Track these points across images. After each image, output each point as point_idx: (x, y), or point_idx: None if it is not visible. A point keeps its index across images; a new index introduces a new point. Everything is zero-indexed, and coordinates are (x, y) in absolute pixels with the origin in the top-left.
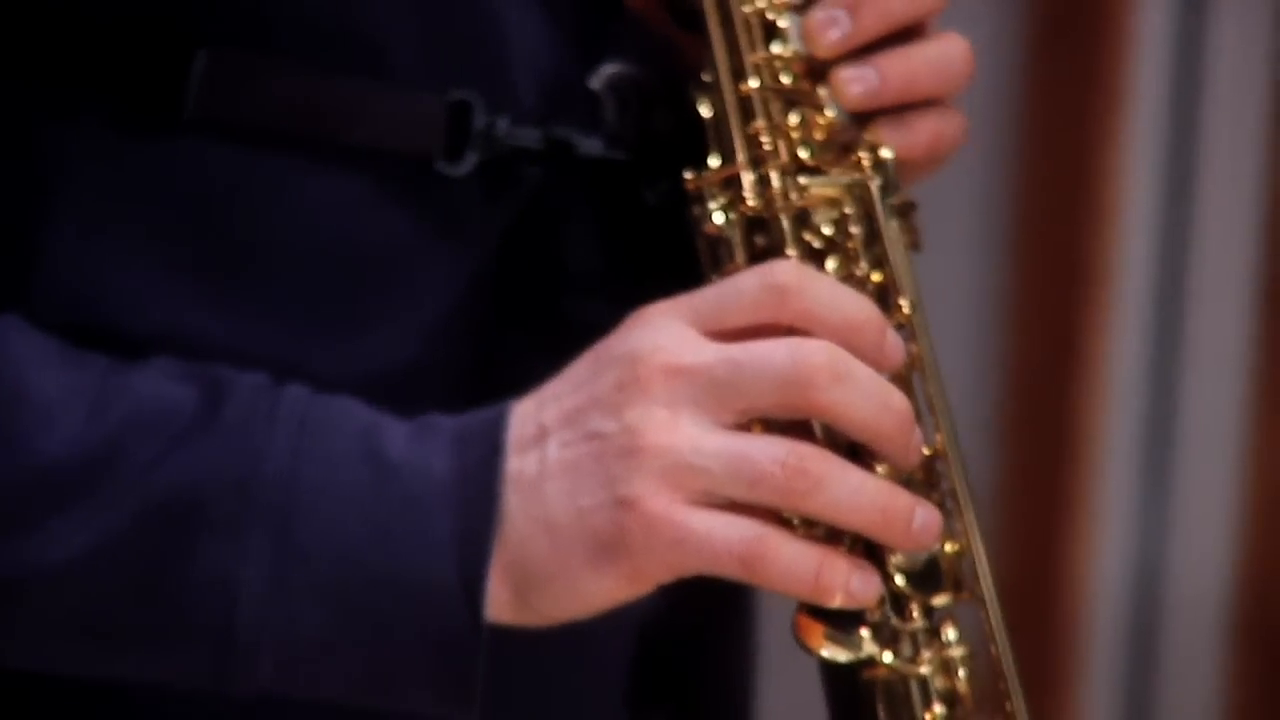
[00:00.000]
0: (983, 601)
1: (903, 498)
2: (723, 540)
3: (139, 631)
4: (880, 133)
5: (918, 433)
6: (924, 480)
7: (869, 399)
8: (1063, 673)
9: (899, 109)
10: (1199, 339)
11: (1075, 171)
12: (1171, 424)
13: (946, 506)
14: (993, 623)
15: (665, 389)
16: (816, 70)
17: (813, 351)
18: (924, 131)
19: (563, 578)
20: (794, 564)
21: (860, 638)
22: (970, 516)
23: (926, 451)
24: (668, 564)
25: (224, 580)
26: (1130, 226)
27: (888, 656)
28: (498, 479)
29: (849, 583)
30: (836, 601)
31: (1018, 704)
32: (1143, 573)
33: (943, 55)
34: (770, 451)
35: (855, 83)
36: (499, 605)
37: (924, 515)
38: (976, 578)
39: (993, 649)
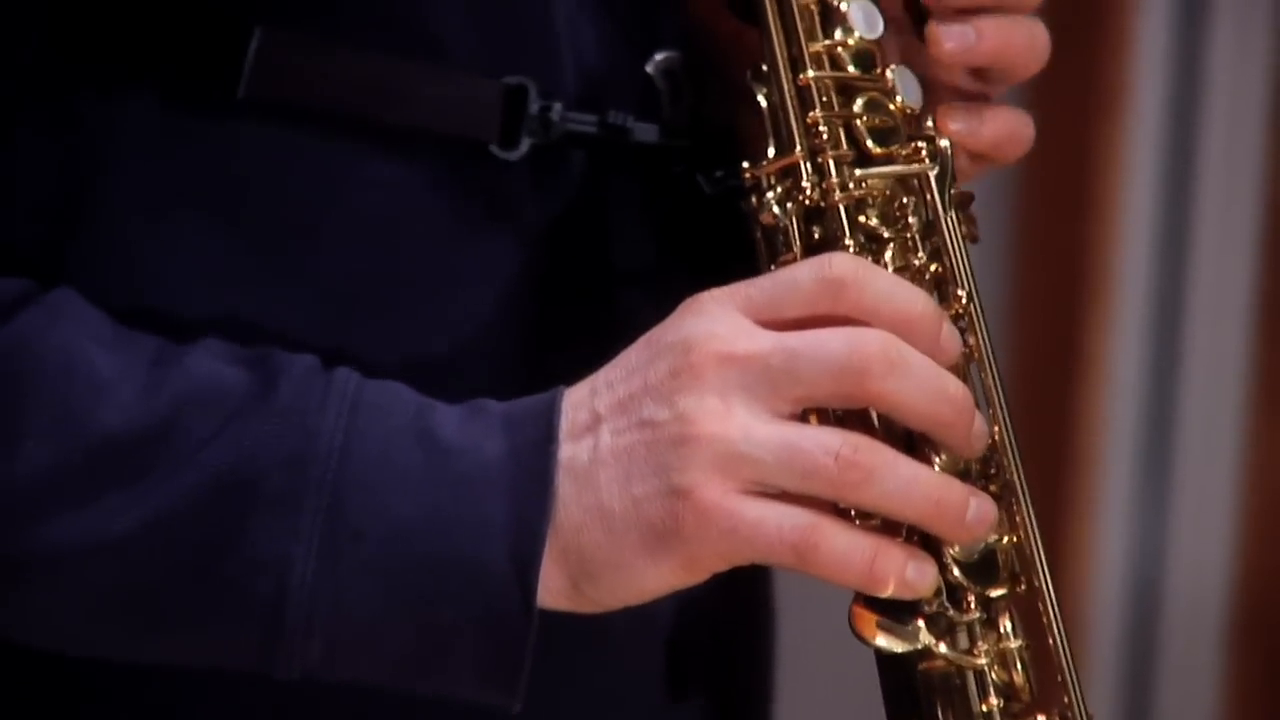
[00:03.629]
0: (1040, 593)
1: (957, 489)
2: (775, 529)
3: (189, 608)
4: (954, 120)
5: (980, 420)
6: (981, 472)
7: (925, 387)
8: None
9: (975, 103)
10: (1198, 341)
11: (1076, 174)
12: (1171, 425)
13: (1004, 498)
14: (1050, 615)
15: (719, 377)
16: (876, 57)
17: (869, 340)
18: (998, 126)
19: (618, 566)
20: (848, 553)
21: (917, 628)
22: (1027, 508)
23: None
24: (721, 553)
25: (276, 558)
26: (1130, 228)
27: (943, 648)
28: (552, 463)
29: (904, 572)
30: (890, 591)
31: (1074, 697)
32: (1142, 573)
33: (1034, 32)
34: (823, 442)
35: (952, 38)
36: (553, 592)
37: (978, 506)
38: (1033, 570)
39: (1050, 641)
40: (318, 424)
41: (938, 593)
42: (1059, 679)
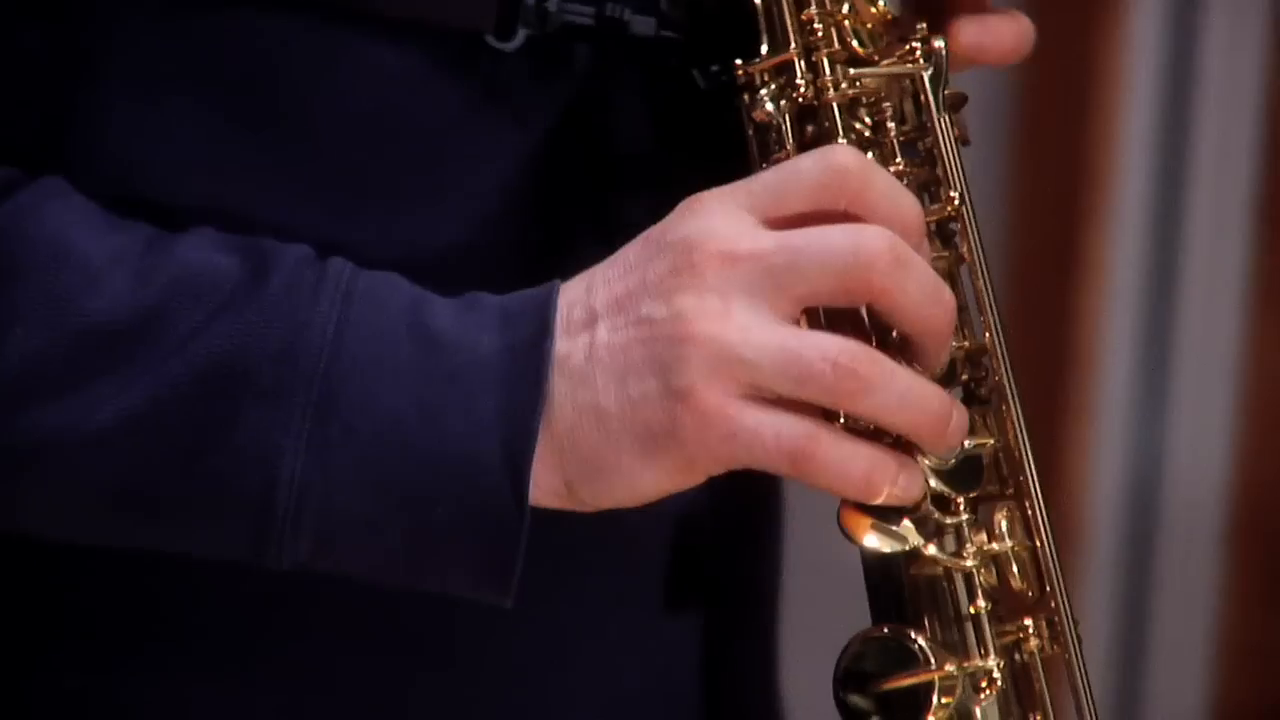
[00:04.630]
0: (1027, 496)
1: (945, 400)
2: (773, 437)
3: (179, 497)
4: (961, 30)
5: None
6: (972, 375)
7: (924, 289)
8: (1064, 570)
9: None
10: (1197, 242)
11: (1075, 77)
12: (1169, 328)
13: (993, 402)
14: (1038, 518)
15: (720, 277)
16: None
17: (875, 236)
18: (1002, 32)
19: (613, 467)
20: (844, 463)
21: (906, 529)
22: (1015, 412)
23: (966, 345)
24: (718, 457)
25: (265, 448)
26: (1129, 131)
27: (932, 549)
28: (546, 359)
29: (897, 481)
30: (885, 499)
31: (1061, 600)
32: (1140, 476)
33: None
34: (822, 349)
35: None
36: (546, 491)
37: (959, 418)
38: (1021, 472)
39: (1037, 543)
40: (310, 315)
41: (925, 497)
42: (1046, 585)
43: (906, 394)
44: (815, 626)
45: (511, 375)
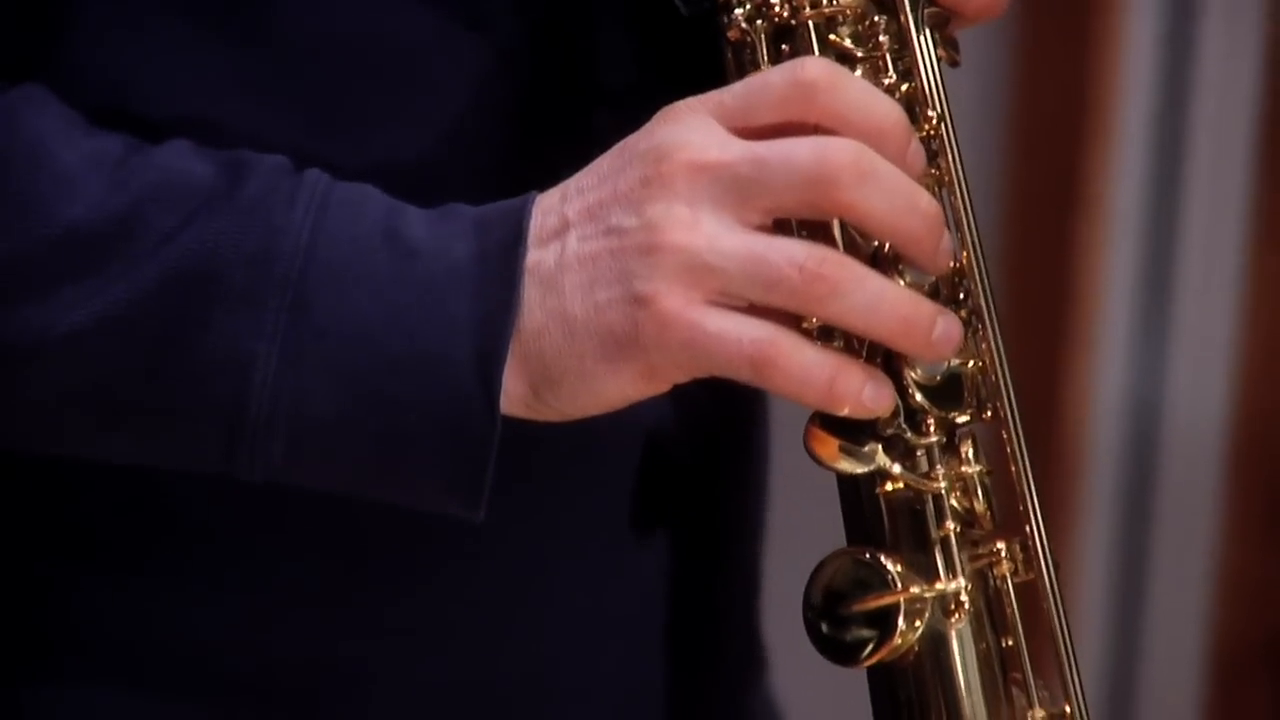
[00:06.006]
0: (1003, 420)
1: (924, 305)
2: (734, 341)
3: (152, 401)
4: None
5: (948, 238)
6: (949, 296)
7: (895, 199)
8: (1062, 505)
9: None
10: (1198, 172)
11: (1076, 5)
12: (1171, 258)
13: (971, 324)
14: (1015, 443)
15: (688, 186)
16: None
17: (839, 149)
18: None
19: (577, 373)
20: (807, 370)
21: (874, 449)
22: (994, 334)
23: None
24: (680, 363)
25: (238, 353)
26: (1131, 60)
27: (899, 469)
28: (518, 265)
29: (862, 392)
30: (848, 410)
31: (1036, 525)
32: (1141, 405)
33: None
34: (788, 253)
35: None
36: (515, 399)
37: (945, 325)
38: (998, 397)
39: (1013, 469)
40: (285, 221)
41: (896, 415)
42: (1020, 508)
43: (878, 298)
44: (798, 550)
45: (484, 281)
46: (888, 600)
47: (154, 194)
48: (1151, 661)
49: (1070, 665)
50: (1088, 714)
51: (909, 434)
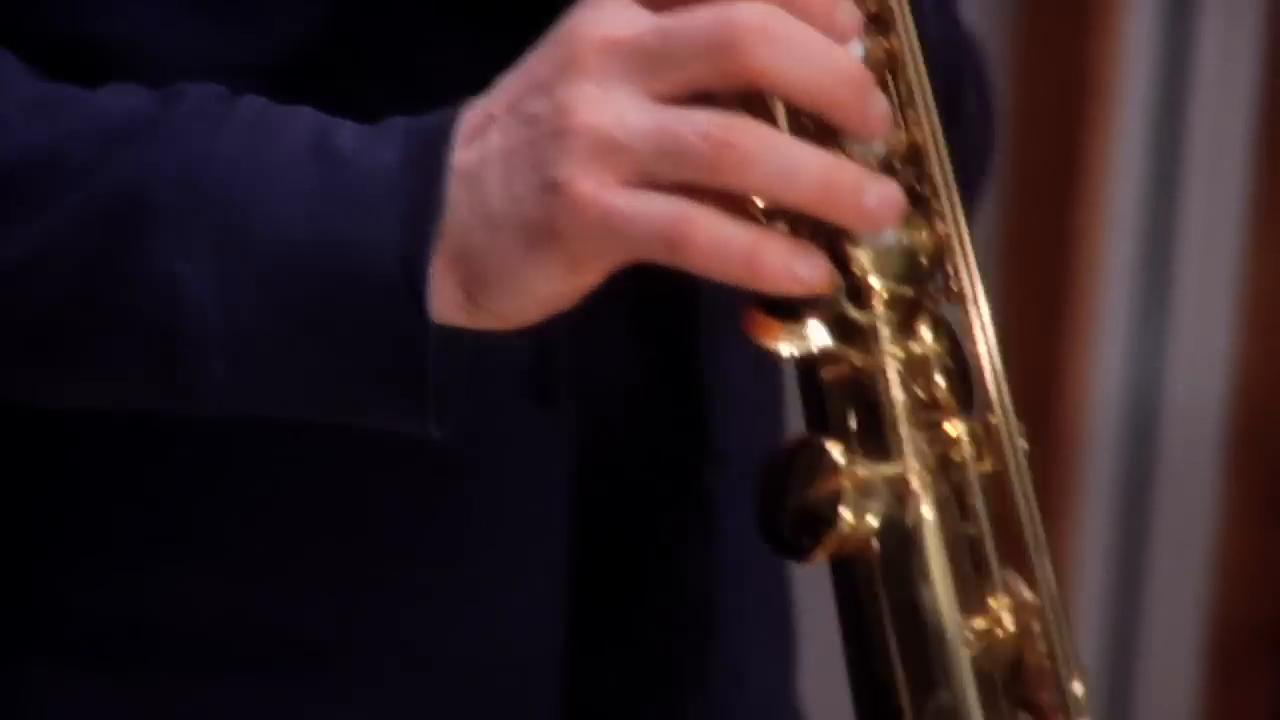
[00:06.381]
0: (964, 299)
1: (849, 170)
2: (646, 219)
3: (86, 339)
4: None
5: (881, 101)
6: (909, 173)
7: (808, 60)
8: (1062, 485)
9: None
10: (1198, 152)
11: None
12: (1170, 238)
13: (927, 199)
14: (979, 320)
15: (599, 64)
16: None
17: (744, 12)
18: None
19: (502, 268)
20: (724, 243)
21: (812, 327)
22: (954, 208)
23: (902, 139)
24: (599, 250)
25: (168, 277)
26: (1132, 38)
27: (844, 347)
28: (443, 167)
29: (790, 264)
30: (778, 285)
31: (1004, 403)
32: (1140, 392)
33: None
34: (695, 123)
35: None
36: (449, 302)
37: (879, 190)
38: (960, 272)
39: (976, 348)
40: (210, 145)
41: (838, 291)
42: (986, 396)
43: (794, 164)
44: None
45: (409, 184)
46: (830, 486)
47: (79, 128)
48: (1150, 647)
49: (1038, 555)
50: (1059, 606)
51: (852, 310)
